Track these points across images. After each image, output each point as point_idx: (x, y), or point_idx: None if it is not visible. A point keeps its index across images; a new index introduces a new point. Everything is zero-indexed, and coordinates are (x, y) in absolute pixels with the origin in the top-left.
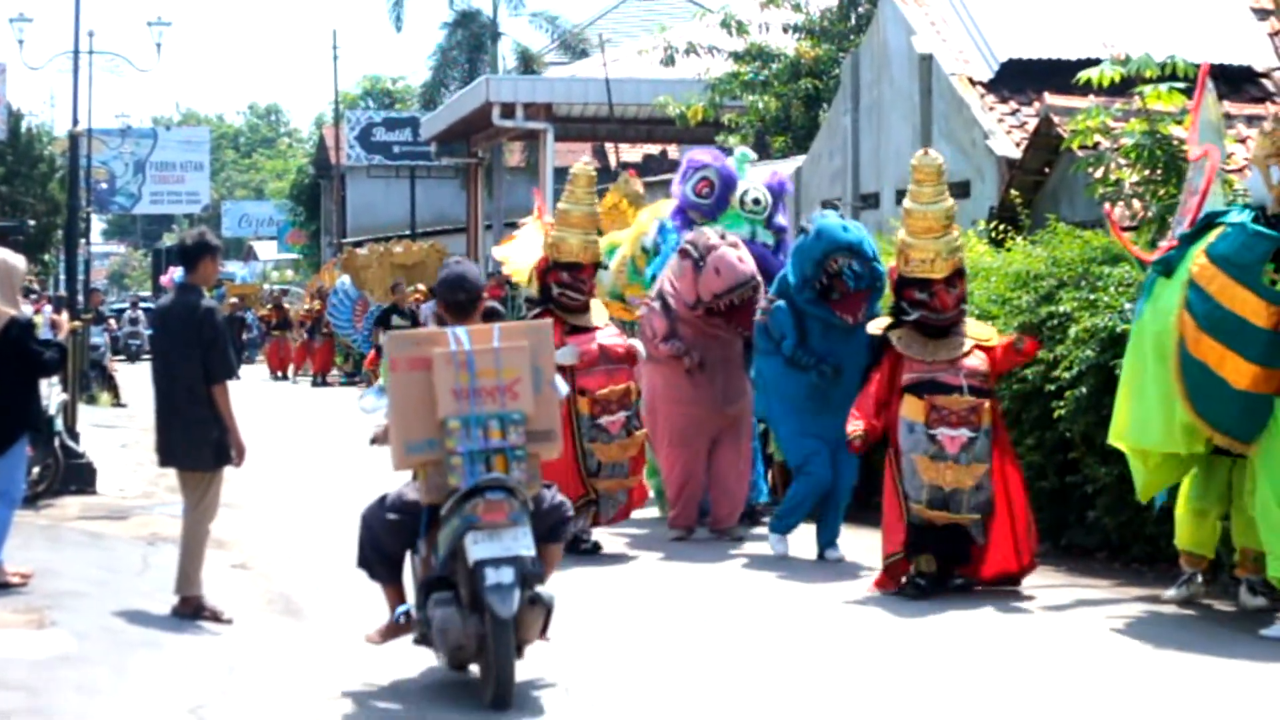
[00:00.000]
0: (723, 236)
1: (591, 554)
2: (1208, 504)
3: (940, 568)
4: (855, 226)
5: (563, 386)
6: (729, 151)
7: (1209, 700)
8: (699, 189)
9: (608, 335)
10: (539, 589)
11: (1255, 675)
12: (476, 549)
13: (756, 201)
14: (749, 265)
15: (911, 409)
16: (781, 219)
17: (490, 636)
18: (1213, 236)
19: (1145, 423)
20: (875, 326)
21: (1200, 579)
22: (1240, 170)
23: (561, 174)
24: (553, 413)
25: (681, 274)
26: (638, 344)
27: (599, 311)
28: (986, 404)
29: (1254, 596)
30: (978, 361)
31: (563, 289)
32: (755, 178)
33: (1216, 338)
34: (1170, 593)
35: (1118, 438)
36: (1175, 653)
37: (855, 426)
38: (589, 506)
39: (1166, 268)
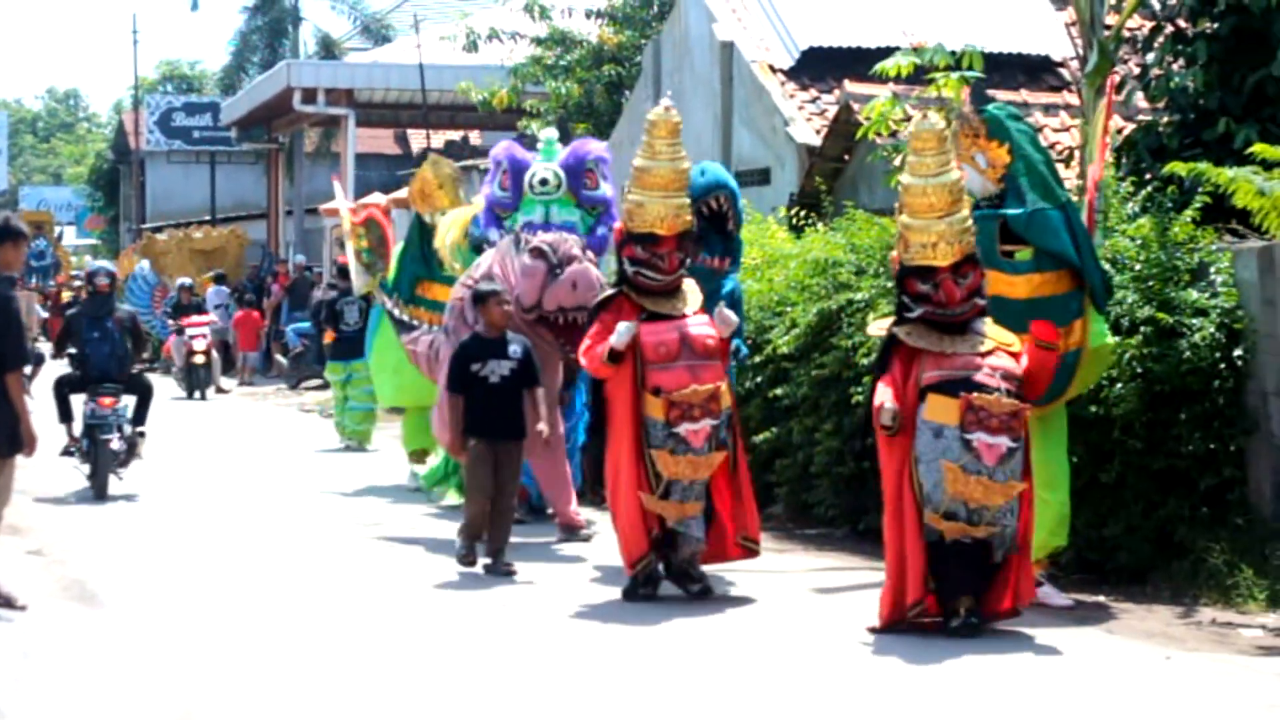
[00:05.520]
0: (576, 238)
1: (702, 597)
2: None
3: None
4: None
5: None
6: (535, 140)
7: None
8: (503, 183)
9: (697, 324)
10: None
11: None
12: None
13: (544, 182)
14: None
15: (940, 410)
16: (605, 189)
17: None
18: None
19: None
20: (876, 329)
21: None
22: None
23: (363, 159)
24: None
25: (529, 274)
26: (730, 315)
27: (692, 295)
28: (1028, 411)
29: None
30: (1009, 363)
31: (637, 267)
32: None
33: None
34: None
35: None
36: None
37: (884, 399)
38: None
39: None
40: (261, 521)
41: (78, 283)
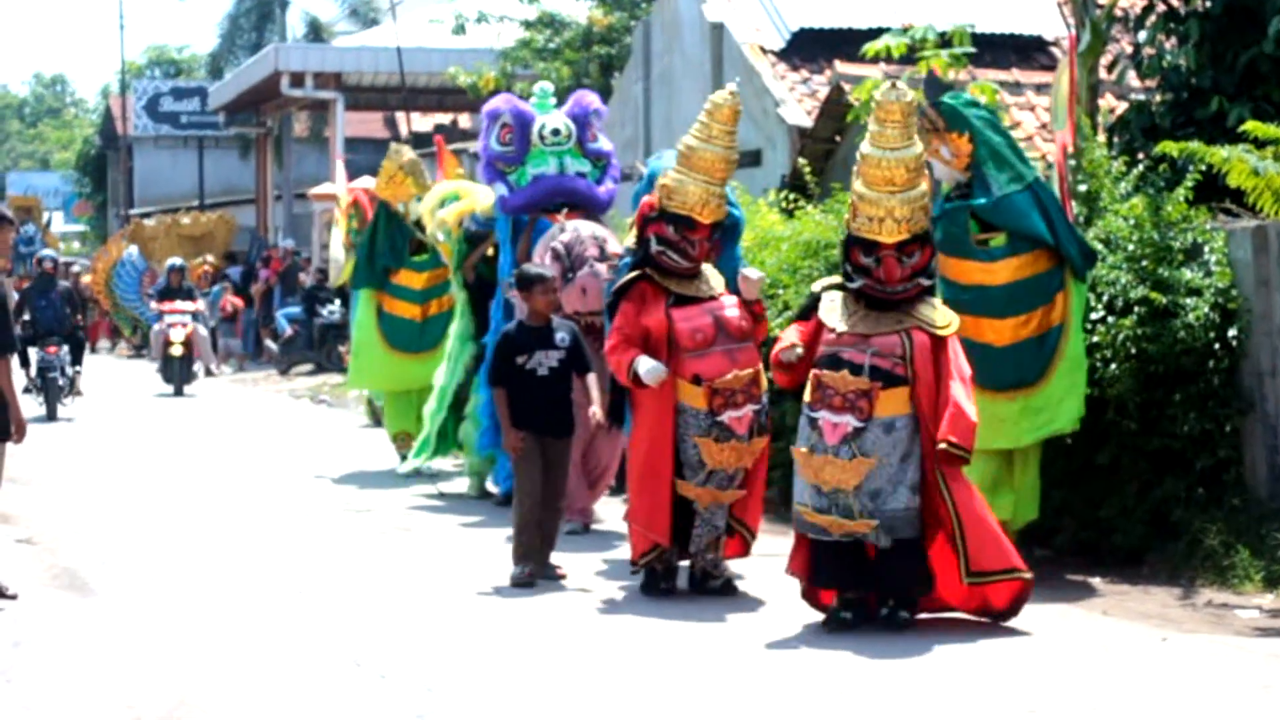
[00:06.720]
0: (594, 237)
1: (723, 594)
2: None
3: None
4: None
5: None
6: (527, 98)
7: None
8: (502, 137)
9: (729, 305)
10: None
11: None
12: None
13: (555, 132)
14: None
15: (807, 388)
16: (604, 143)
17: None
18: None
19: None
20: (818, 284)
21: None
22: (1029, 139)
23: (352, 144)
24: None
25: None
26: (753, 274)
27: (715, 276)
28: (885, 392)
29: None
30: (903, 342)
31: (664, 247)
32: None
33: (966, 312)
34: None
35: None
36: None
37: (790, 338)
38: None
39: None
40: (250, 507)
41: (76, 268)
